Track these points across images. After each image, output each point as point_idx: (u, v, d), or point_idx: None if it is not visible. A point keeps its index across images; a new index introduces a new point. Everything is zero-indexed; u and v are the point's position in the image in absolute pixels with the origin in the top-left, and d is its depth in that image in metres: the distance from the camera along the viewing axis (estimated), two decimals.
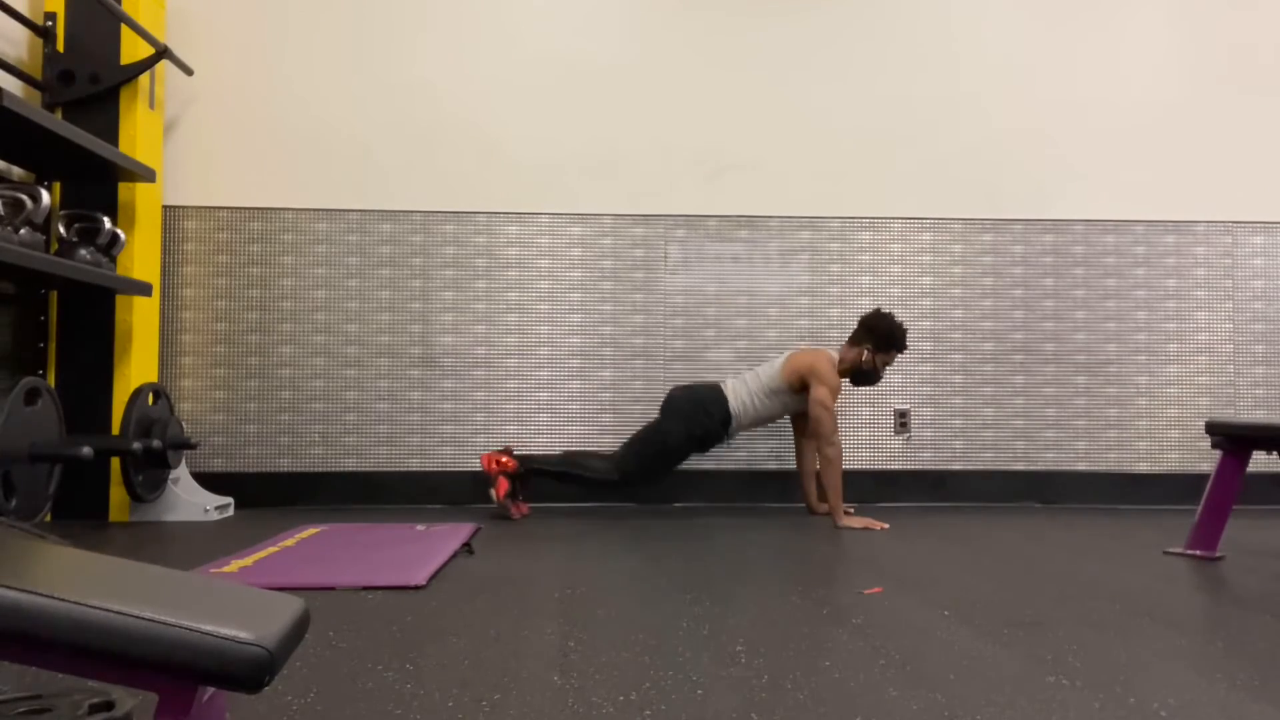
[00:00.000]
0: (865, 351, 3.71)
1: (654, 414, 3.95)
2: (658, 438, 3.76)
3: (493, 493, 3.65)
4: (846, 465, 3.93)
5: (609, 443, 4.07)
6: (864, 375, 3.76)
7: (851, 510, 3.65)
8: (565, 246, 4.14)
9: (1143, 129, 4.31)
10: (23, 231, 2.84)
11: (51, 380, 3.50)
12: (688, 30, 4.22)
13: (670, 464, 3.81)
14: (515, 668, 1.66)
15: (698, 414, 3.73)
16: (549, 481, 3.78)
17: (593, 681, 1.58)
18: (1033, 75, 4.30)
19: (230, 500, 3.78)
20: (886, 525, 3.48)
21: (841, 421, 4.16)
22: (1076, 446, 4.23)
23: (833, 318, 4.18)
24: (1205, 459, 4.12)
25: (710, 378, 4.03)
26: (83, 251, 3.20)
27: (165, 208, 3.93)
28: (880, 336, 3.70)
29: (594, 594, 2.29)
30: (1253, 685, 1.58)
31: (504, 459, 3.68)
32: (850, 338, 3.77)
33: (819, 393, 3.62)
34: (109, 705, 1.33)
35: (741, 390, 3.76)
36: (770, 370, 3.76)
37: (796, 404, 3.77)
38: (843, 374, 3.75)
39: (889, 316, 3.72)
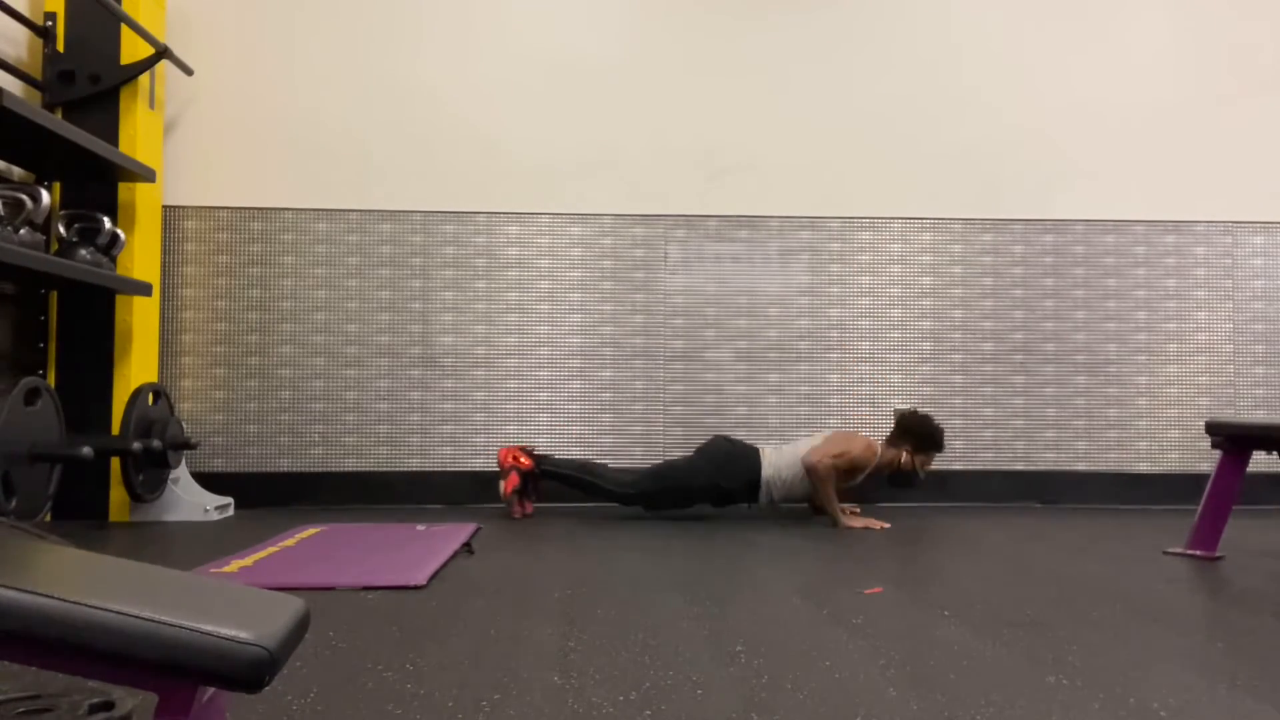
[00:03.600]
0: (905, 453, 3.66)
1: (654, 414, 3.99)
2: (684, 474, 3.69)
3: (502, 485, 3.63)
4: None
5: (609, 443, 4.07)
6: (904, 477, 3.70)
7: (857, 510, 3.67)
8: (565, 246, 4.13)
9: (1143, 129, 4.30)
10: (23, 231, 2.84)
11: (51, 380, 3.50)
12: (688, 30, 4.22)
13: (685, 501, 3.72)
14: (515, 668, 1.65)
15: (729, 466, 3.66)
16: (553, 482, 3.77)
17: (593, 681, 1.58)
18: (1033, 75, 4.29)
19: (230, 500, 3.78)
20: (888, 525, 3.47)
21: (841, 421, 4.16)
22: (1076, 446, 4.22)
23: (833, 318, 4.18)
24: (1205, 459, 4.11)
25: (709, 378, 4.11)
26: (83, 251, 3.20)
27: (165, 208, 3.93)
28: (919, 438, 3.66)
29: (594, 594, 2.28)
30: (1253, 685, 1.58)
31: (522, 457, 3.66)
32: (888, 438, 3.71)
33: (834, 457, 3.52)
34: (109, 705, 1.33)
35: (775, 458, 3.66)
36: (809, 445, 3.65)
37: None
38: (880, 471, 3.68)
39: (927, 418, 3.69)
